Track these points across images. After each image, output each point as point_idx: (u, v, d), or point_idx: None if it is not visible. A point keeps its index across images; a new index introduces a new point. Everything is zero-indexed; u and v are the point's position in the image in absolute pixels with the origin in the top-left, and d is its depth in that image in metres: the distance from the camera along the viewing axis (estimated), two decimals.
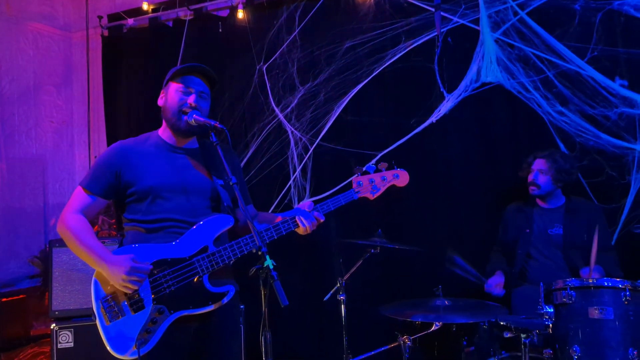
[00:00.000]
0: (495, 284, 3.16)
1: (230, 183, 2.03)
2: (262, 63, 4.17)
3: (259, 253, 1.89)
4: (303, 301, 3.83)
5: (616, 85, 3.37)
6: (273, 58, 4.15)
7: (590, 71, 3.42)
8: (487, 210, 3.63)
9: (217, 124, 2.11)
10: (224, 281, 2.16)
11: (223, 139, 2.13)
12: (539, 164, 3.23)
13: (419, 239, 3.56)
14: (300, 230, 2.18)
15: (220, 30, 4.30)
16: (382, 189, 2.31)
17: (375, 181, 2.29)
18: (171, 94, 2.21)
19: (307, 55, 4.05)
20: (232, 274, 2.25)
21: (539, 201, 3.32)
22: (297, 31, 4.07)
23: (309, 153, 4.02)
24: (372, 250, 3.09)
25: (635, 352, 2.35)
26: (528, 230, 3.25)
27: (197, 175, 2.22)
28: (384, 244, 3.07)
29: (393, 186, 2.34)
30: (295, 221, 2.16)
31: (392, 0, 3.83)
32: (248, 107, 4.21)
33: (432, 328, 2.81)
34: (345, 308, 3.10)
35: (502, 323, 2.56)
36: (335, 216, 3.67)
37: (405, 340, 2.76)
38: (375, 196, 2.30)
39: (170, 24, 4.54)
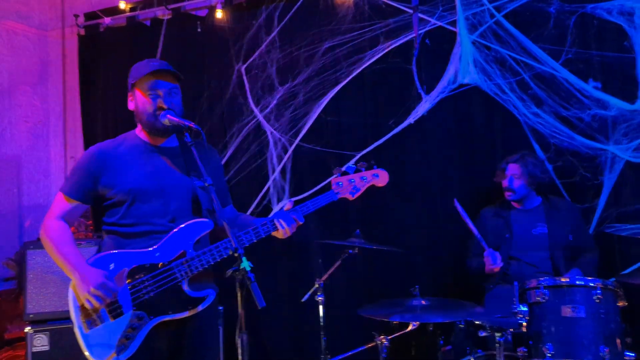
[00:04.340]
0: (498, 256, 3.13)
1: (206, 185, 2.02)
2: (240, 63, 4.16)
3: (236, 255, 1.89)
4: (282, 302, 3.83)
5: (589, 87, 3.43)
6: (252, 58, 4.13)
7: (564, 73, 3.48)
8: (466, 210, 3.65)
9: (192, 125, 2.10)
10: (204, 285, 2.15)
11: (199, 139, 2.13)
12: (512, 169, 3.26)
13: (397, 239, 3.59)
14: (280, 233, 2.17)
15: (198, 30, 4.27)
16: (362, 189, 2.30)
17: (355, 181, 2.27)
18: (140, 100, 2.19)
19: (286, 55, 4.04)
20: (213, 276, 2.24)
21: (515, 204, 3.36)
22: (276, 31, 4.07)
23: (288, 153, 4.01)
24: (350, 251, 3.10)
25: (606, 350, 2.39)
26: (508, 235, 3.28)
27: (177, 176, 2.20)
28: (362, 245, 3.09)
29: (372, 186, 2.33)
30: (274, 224, 2.15)
31: (370, 1, 3.84)
32: (227, 108, 4.19)
33: (409, 328, 2.83)
34: (324, 309, 3.10)
35: (477, 322, 2.59)
36: (314, 217, 3.63)
37: (383, 340, 2.78)
38: (355, 197, 2.29)
39: (148, 23, 4.50)
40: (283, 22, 4.05)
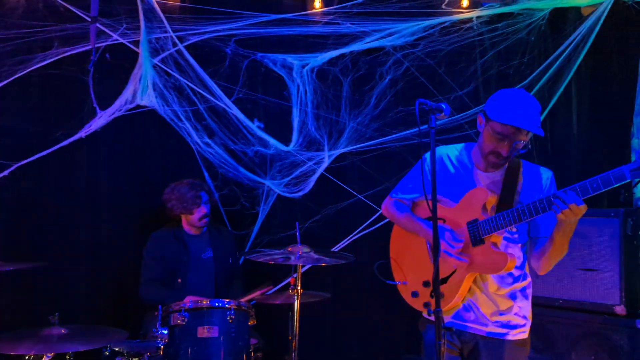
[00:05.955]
0: None
1: None
2: None
3: None
4: None
5: (254, 126, 3.83)
6: None
7: (235, 110, 3.79)
8: (136, 230, 3.63)
9: None
10: None
11: None
12: (204, 196, 3.46)
13: (54, 260, 3.29)
14: None
15: None
16: None
17: None
18: None
19: None
20: None
21: (186, 228, 3.50)
22: None
23: None
24: None
25: None
26: (186, 259, 3.40)
27: None
28: None
29: None
30: None
31: (46, 0, 3.52)
32: None
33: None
34: None
35: (116, 349, 2.53)
36: None
37: None
38: None
39: None
40: None
